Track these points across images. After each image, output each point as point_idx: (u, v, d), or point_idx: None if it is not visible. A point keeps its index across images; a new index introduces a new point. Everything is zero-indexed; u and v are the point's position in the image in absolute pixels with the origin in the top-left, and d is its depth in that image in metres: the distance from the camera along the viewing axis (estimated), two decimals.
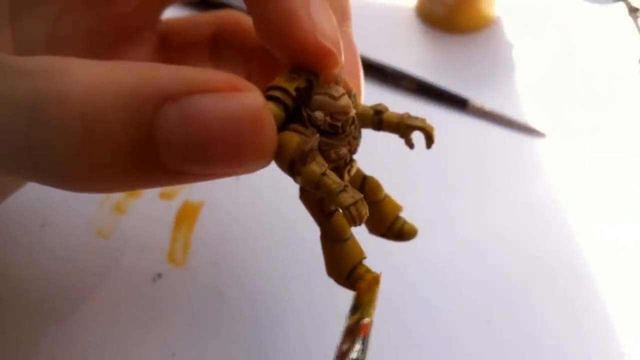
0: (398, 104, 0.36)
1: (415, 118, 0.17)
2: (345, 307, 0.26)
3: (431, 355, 0.25)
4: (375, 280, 0.15)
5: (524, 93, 0.37)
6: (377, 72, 0.36)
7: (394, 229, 0.17)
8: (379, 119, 0.16)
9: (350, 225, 0.14)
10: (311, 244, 0.28)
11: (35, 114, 0.11)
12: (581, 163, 0.33)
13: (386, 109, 0.16)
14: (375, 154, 0.30)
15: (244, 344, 0.24)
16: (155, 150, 0.12)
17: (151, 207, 0.29)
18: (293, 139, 0.14)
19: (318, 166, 0.14)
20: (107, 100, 0.11)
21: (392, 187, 0.30)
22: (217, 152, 0.12)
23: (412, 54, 0.38)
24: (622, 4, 0.42)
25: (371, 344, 0.15)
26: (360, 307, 0.16)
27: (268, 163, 0.14)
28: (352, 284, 0.16)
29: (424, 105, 0.35)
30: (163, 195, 0.29)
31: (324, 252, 0.16)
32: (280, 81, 0.14)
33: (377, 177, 0.17)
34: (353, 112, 0.15)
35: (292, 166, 0.14)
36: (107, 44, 0.21)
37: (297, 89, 0.14)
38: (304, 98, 0.15)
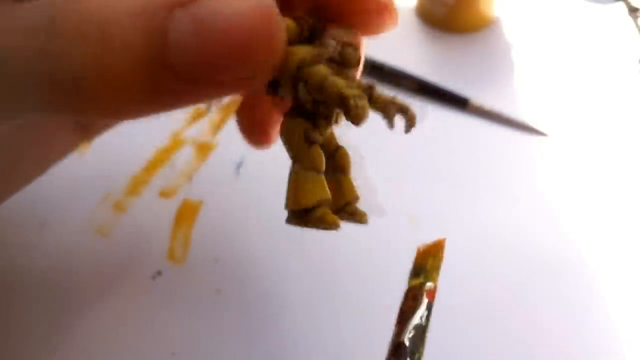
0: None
1: (403, 102, 0.17)
2: (345, 307, 0.26)
3: (431, 353, 0.25)
4: (440, 245, 0.16)
5: (524, 93, 0.37)
6: (377, 71, 0.36)
7: (349, 208, 0.17)
8: (369, 94, 0.16)
9: (353, 120, 0.14)
10: (311, 243, 0.28)
11: (52, 27, 0.12)
12: (581, 162, 0.33)
13: (376, 87, 0.16)
14: (375, 154, 0.31)
15: (244, 341, 0.24)
16: (168, 55, 0.12)
17: (151, 205, 0.29)
18: (302, 48, 0.14)
19: (325, 68, 0.14)
20: (122, 8, 0.12)
21: (393, 185, 0.30)
22: (226, 49, 0.12)
23: (412, 54, 0.38)
24: (622, 4, 0.42)
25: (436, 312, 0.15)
26: (424, 272, 0.16)
27: (276, 65, 0.14)
28: (306, 221, 0.15)
29: (424, 105, 0.35)
30: (163, 194, 0.29)
31: (293, 182, 0.15)
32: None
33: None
34: (361, 52, 0.15)
35: (299, 70, 0.14)
36: None
37: (311, 24, 0.15)
38: (317, 32, 0.15)
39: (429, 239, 0.29)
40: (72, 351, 0.24)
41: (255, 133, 0.22)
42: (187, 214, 0.28)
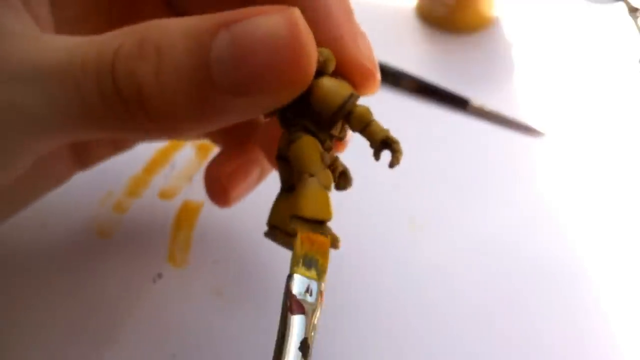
0: (398, 104, 0.36)
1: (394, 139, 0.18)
2: (345, 307, 0.26)
3: (429, 355, 0.25)
4: (326, 246, 0.16)
5: (524, 93, 0.37)
6: None
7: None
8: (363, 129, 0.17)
9: (393, 163, 0.16)
10: None
11: (120, 49, 0.14)
12: (581, 163, 0.33)
13: (370, 121, 0.17)
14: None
15: (244, 343, 0.24)
16: (211, 73, 0.13)
17: (151, 207, 0.29)
18: (341, 84, 0.16)
19: (369, 110, 0.16)
20: (175, 29, 0.14)
21: (392, 186, 0.30)
22: (260, 63, 0.13)
23: (412, 54, 0.38)
24: (622, 4, 0.42)
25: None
26: (315, 266, 0.15)
27: (308, 78, 0.15)
28: (312, 229, 0.16)
29: (424, 105, 0.35)
30: (163, 195, 0.29)
31: (311, 192, 0.16)
32: None
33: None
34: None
35: (344, 105, 0.16)
36: (120, 24, 0.21)
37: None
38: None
39: (427, 238, 0.29)
40: (71, 351, 0.24)
41: (216, 193, 0.24)
42: (187, 215, 0.28)
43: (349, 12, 0.17)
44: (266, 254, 0.27)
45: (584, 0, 0.43)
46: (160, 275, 0.26)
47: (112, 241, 0.27)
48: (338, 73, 0.17)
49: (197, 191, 0.29)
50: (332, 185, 0.17)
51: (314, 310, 0.15)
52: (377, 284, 0.27)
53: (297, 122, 0.16)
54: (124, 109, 0.14)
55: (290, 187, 0.17)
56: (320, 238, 0.16)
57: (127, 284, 0.26)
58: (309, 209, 0.16)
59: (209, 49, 0.13)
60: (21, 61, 0.14)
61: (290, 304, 0.15)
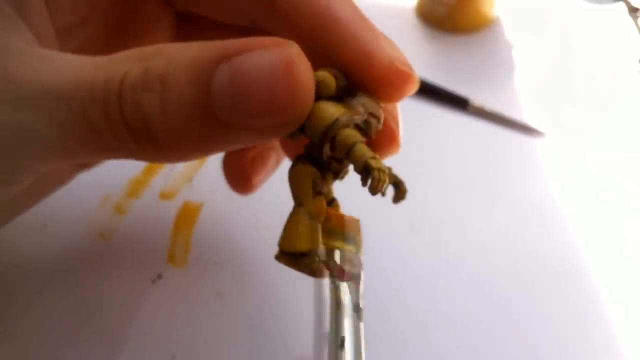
0: (397, 104, 0.36)
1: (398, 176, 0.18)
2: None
3: (431, 356, 0.25)
4: (358, 224, 0.17)
5: (524, 93, 0.37)
6: None
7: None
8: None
9: (372, 191, 0.15)
10: None
11: (126, 79, 0.14)
12: (581, 163, 0.33)
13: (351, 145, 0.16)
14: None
15: (244, 344, 0.24)
16: (212, 104, 0.14)
17: (151, 207, 0.29)
18: (334, 106, 0.15)
19: (356, 134, 0.15)
20: (179, 60, 0.14)
21: (392, 186, 0.30)
22: (256, 97, 0.14)
23: (412, 54, 0.38)
24: (622, 4, 0.42)
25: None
26: (354, 242, 0.16)
27: (305, 112, 0.15)
28: (295, 264, 0.16)
29: (424, 105, 0.35)
30: (163, 196, 0.29)
31: (291, 224, 0.16)
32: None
33: None
34: (381, 125, 0.16)
35: (328, 130, 0.15)
36: (114, 31, 0.21)
37: (345, 85, 0.16)
38: (348, 93, 0.16)
39: (427, 238, 0.29)
40: (71, 352, 0.24)
41: (239, 182, 0.24)
42: (187, 216, 0.28)
43: (369, 23, 0.17)
44: (266, 254, 0.27)
45: (584, 0, 0.43)
46: (160, 276, 0.26)
47: (112, 242, 0.27)
48: (367, 86, 0.16)
49: (197, 192, 0.29)
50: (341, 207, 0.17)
51: (358, 277, 0.16)
52: (378, 285, 0.27)
53: (304, 146, 0.16)
54: (131, 137, 0.14)
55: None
56: (350, 218, 0.17)
57: (127, 285, 0.26)
58: (285, 243, 0.16)
59: (211, 82, 0.14)
60: (28, 82, 0.14)
61: (338, 273, 0.16)
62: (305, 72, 0.14)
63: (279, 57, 0.14)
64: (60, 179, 0.21)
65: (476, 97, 0.35)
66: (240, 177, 0.24)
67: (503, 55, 0.39)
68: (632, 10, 0.42)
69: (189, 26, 0.23)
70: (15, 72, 0.14)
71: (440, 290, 0.27)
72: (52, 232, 0.27)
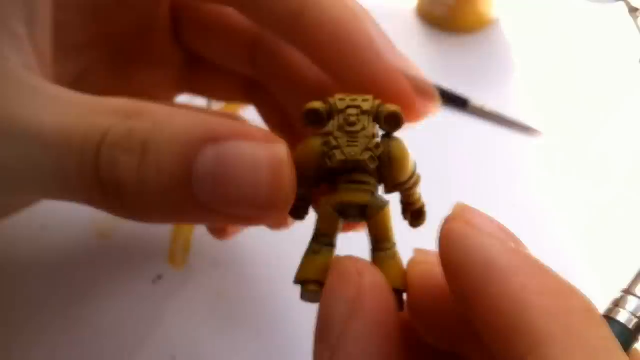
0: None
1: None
2: None
3: None
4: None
5: (524, 93, 0.37)
6: None
7: None
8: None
9: (414, 226, 0.18)
10: None
11: (106, 137, 0.13)
12: (581, 163, 0.33)
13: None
14: None
15: (244, 345, 0.24)
16: (191, 184, 0.13)
17: None
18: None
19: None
20: (166, 132, 0.14)
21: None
22: (238, 188, 0.13)
23: (412, 54, 0.38)
24: (622, 4, 0.42)
25: None
26: None
27: (283, 212, 0.15)
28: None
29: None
30: None
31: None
32: None
33: None
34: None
35: (412, 178, 0.17)
36: (121, 60, 0.21)
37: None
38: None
39: (426, 238, 0.29)
40: (71, 352, 0.24)
41: (216, 229, 0.25)
42: None
43: (390, 41, 0.18)
44: (265, 255, 0.27)
45: (584, 0, 0.43)
46: (160, 277, 0.26)
47: (112, 242, 0.27)
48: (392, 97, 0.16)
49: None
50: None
51: None
52: None
53: None
54: (100, 192, 0.14)
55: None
56: None
57: (127, 285, 0.26)
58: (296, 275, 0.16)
59: (193, 161, 0.13)
60: (14, 119, 0.14)
61: None
62: (288, 175, 0.14)
63: (267, 154, 0.14)
64: (20, 206, 0.21)
65: (476, 97, 0.35)
66: (217, 227, 0.24)
67: (503, 55, 0.39)
68: (632, 10, 0.42)
69: (194, 67, 0.23)
70: (3, 104, 0.14)
71: None
72: (52, 232, 0.27)
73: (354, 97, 0.15)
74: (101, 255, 0.27)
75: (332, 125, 0.15)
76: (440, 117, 0.34)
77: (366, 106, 0.15)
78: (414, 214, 0.17)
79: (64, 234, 0.27)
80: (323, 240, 0.15)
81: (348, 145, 0.15)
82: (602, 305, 0.27)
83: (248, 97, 0.24)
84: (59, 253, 0.26)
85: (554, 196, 0.31)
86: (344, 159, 0.14)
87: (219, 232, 0.25)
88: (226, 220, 0.15)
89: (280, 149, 0.14)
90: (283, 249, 0.27)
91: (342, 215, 0.15)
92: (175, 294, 0.26)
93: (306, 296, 0.16)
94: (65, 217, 0.28)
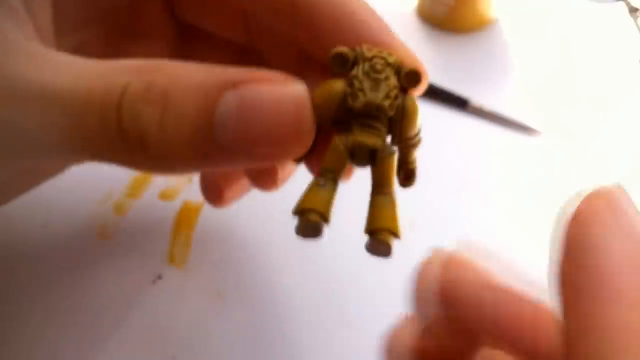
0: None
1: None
2: (347, 310, 0.26)
3: None
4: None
5: (523, 93, 0.37)
6: None
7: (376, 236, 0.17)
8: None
9: (404, 186, 0.18)
10: (313, 247, 0.28)
11: (127, 89, 0.14)
12: (581, 163, 0.33)
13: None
14: None
15: (244, 345, 0.24)
16: (213, 128, 0.14)
17: (151, 207, 0.29)
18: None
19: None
20: (184, 81, 0.14)
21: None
22: (261, 127, 0.14)
23: None
24: (622, 4, 0.42)
25: None
26: None
27: (305, 149, 0.15)
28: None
29: (424, 105, 0.35)
30: (163, 196, 0.29)
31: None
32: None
33: None
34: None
35: (418, 135, 0.17)
36: (115, 34, 0.21)
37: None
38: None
39: (425, 238, 0.29)
40: (71, 352, 0.24)
41: (212, 193, 0.25)
42: (187, 216, 0.28)
43: (385, 22, 0.18)
44: (266, 255, 0.27)
45: (584, 0, 0.43)
46: (160, 276, 0.26)
47: (112, 242, 0.27)
48: None
49: (197, 192, 0.29)
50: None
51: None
52: (378, 285, 0.27)
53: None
54: (124, 146, 0.14)
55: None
56: None
57: (127, 285, 0.26)
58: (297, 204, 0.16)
59: (215, 105, 0.14)
60: (24, 79, 0.14)
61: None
62: (310, 111, 0.15)
63: (289, 92, 0.14)
64: (49, 172, 0.21)
65: (476, 97, 0.35)
66: (214, 189, 0.24)
67: (502, 55, 0.39)
68: (632, 10, 0.42)
69: (188, 37, 0.23)
70: (11, 67, 0.14)
71: None
72: (52, 231, 0.27)
73: (380, 49, 0.16)
74: (102, 255, 0.27)
75: (357, 70, 0.16)
76: (440, 117, 0.35)
77: (391, 59, 0.16)
78: (407, 173, 0.18)
79: (65, 233, 0.27)
80: (328, 175, 0.16)
81: (371, 90, 0.15)
82: None
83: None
84: (59, 252, 0.26)
85: (553, 196, 0.31)
86: (367, 101, 0.15)
87: (215, 197, 0.25)
88: (248, 161, 0.15)
89: (301, 86, 0.15)
90: (283, 249, 0.27)
91: (351, 156, 0.16)
92: (175, 293, 0.26)
93: (305, 228, 0.16)
94: (66, 216, 0.28)
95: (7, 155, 0.15)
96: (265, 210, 0.29)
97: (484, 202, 0.31)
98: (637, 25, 0.41)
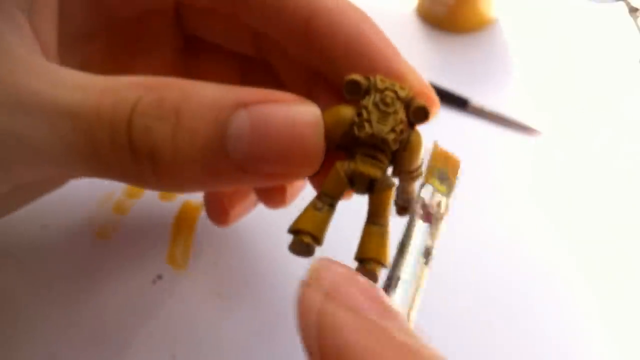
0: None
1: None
2: None
3: None
4: (457, 163, 0.18)
5: (523, 93, 0.37)
6: None
7: (366, 266, 0.17)
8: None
9: (400, 215, 0.18)
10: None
11: (137, 106, 0.14)
12: (581, 163, 0.33)
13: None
14: None
15: (244, 345, 0.24)
16: (226, 145, 0.14)
17: (151, 208, 0.29)
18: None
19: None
20: (197, 100, 0.14)
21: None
22: (272, 148, 0.14)
23: (412, 54, 0.38)
24: (622, 4, 0.42)
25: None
26: (446, 181, 0.17)
27: (314, 169, 0.16)
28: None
29: None
30: (163, 196, 0.29)
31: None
32: None
33: None
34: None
35: (419, 168, 0.17)
36: (120, 47, 0.21)
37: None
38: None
39: None
40: (71, 352, 0.24)
41: (216, 212, 0.25)
42: (187, 217, 0.28)
43: (396, 48, 0.18)
44: (266, 255, 0.27)
45: (584, 0, 0.43)
46: (160, 277, 0.26)
47: (112, 242, 0.27)
48: None
49: (197, 192, 0.29)
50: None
51: (439, 221, 0.16)
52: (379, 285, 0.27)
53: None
54: (133, 163, 0.14)
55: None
56: (453, 156, 0.18)
57: (127, 285, 0.26)
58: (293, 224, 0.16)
59: (228, 123, 0.14)
60: (30, 90, 0.14)
61: (420, 211, 0.16)
62: (322, 132, 0.15)
63: (302, 111, 0.14)
64: (47, 187, 0.21)
65: (476, 97, 0.35)
66: (219, 208, 0.24)
67: (502, 55, 0.39)
68: (632, 10, 0.42)
69: (193, 50, 0.23)
70: (17, 79, 0.14)
71: (436, 289, 0.27)
72: (52, 231, 0.27)
73: (393, 82, 0.16)
74: (101, 255, 0.27)
75: (368, 100, 0.16)
76: (440, 117, 0.35)
77: (402, 94, 0.16)
78: (405, 203, 0.18)
79: (65, 233, 0.27)
80: (326, 200, 0.16)
81: (378, 122, 0.16)
82: (606, 305, 0.27)
83: (245, 81, 0.24)
84: (59, 252, 0.26)
85: (553, 196, 0.31)
86: (372, 133, 0.16)
87: (220, 216, 0.25)
88: (258, 180, 0.15)
89: (315, 109, 0.15)
90: (284, 249, 0.27)
91: (351, 183, 0.16)
92: (175, 293, 0.26)
93: (297, 247, 0.16)
94: (65, 217, 0.28)
95: (7, 163, 0.15)
96: (265, 211, 0.29)
97: (483, 201, 0.31)
98: (637, 25, 0.41)
